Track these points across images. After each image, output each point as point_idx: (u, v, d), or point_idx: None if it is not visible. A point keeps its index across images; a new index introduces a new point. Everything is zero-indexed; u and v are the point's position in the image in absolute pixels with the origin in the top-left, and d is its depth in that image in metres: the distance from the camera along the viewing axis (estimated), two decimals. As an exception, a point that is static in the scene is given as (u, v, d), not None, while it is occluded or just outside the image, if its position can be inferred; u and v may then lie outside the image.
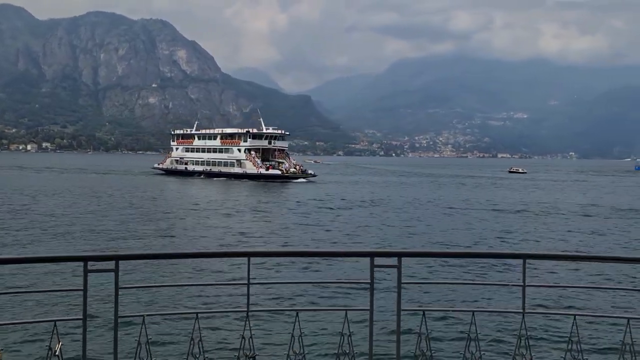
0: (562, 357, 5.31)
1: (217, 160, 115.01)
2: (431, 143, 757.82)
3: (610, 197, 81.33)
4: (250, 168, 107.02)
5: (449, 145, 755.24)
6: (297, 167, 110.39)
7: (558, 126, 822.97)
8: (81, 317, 4.86)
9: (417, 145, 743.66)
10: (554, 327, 17.03)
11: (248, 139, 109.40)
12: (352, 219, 49.23)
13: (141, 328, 5.01)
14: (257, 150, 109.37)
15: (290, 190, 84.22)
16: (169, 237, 36.71)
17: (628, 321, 5.18)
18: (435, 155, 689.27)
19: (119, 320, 4.96)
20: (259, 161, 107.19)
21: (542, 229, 44.30)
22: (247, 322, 5.14)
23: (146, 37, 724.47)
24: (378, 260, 5.20)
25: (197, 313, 5.28)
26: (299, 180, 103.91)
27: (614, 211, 58.67)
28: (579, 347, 5.23)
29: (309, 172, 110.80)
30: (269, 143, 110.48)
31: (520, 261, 5.29)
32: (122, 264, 4.95)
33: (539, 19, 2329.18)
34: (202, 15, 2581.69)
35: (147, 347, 5.03)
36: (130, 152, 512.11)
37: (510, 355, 5.31)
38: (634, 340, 5.09)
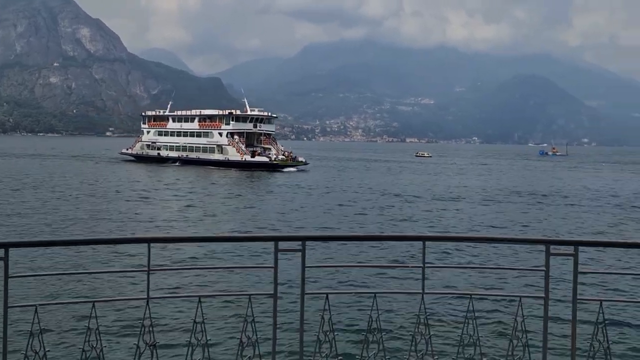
0: (459, 335, 5.50)
1: (194, 145, 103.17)
2: (342, 127, 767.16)
3: (510, 180, 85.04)
4: (233, 154, 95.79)
5: (359, 130, 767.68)
6: (287, 153, 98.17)
7: (463, 112, 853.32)
8: None
9: (328, 129, 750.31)
10: (452, 306, 17.68)
11: (230, 122, 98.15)
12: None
13: (33, 318, 4.81)
14: (240, 134, 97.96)
15: (272, 180, 75.32)
16: (77, 225, 35.12)
17: (520, 299, 5.42)
18: (346, 140, 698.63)
19: (9, 310, 4.73)
20: (243, 147, 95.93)
21: (442, 212, 45.64)
22: (148, 309, 5.02)
23: (47, 14, 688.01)
24: (282, 245, 5.19)
25: (94, 302, 5.10)
26: (288, 169, 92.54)
27: (511, 194, 61.39)
28: (474, 324, 5.42)
29: (300, 159, 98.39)
30: (254, 126, 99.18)
31: (420, 243, 5.43)
32: (13, 252, 4.71)
33: (446, 7, 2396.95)
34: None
35: (40, 337, 4.83)
36: (29, 133, 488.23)
37: (411, 333, 5.45)
38: (525, 317, 5.33)
